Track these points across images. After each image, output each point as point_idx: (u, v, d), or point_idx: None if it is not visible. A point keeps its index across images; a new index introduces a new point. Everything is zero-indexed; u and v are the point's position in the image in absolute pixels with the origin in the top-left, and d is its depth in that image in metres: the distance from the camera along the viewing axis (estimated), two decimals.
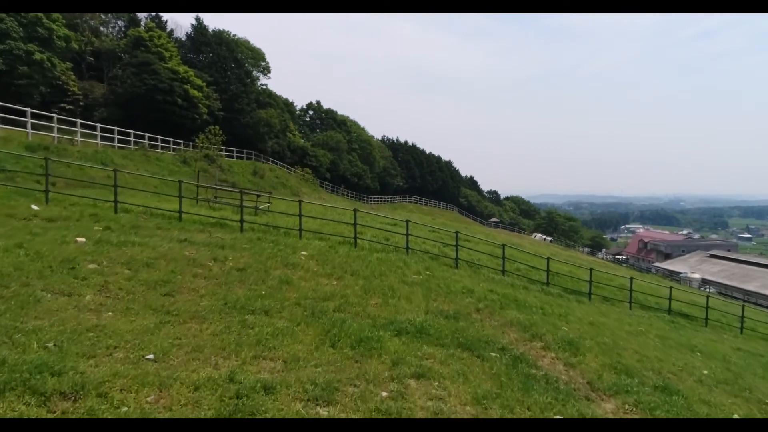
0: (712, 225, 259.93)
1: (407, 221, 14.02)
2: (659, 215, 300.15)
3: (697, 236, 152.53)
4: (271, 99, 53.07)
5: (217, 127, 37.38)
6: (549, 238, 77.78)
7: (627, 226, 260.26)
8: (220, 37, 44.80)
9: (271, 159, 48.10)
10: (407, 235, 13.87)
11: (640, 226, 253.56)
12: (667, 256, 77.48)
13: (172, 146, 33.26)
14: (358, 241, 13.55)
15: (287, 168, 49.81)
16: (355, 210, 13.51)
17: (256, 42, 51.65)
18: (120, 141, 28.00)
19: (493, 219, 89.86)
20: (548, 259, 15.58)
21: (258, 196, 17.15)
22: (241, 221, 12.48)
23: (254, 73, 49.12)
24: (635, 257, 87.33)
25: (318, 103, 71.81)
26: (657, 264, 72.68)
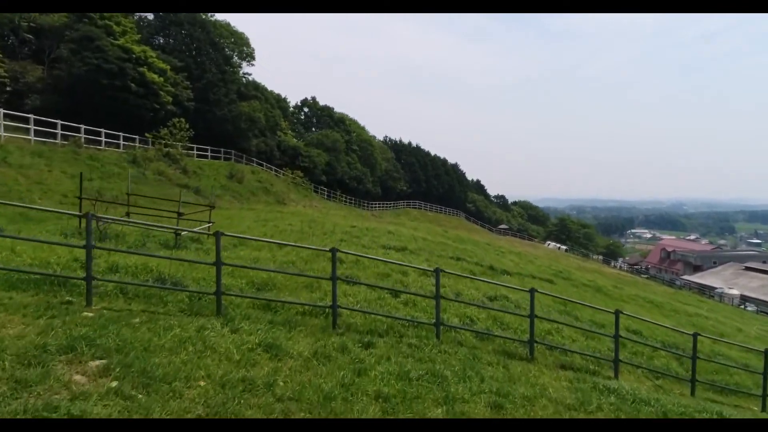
0: (718, 230, 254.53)
1: (437, 270, 7.30)
2: (664, 219, 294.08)
3: (704, 241, 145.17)
4: (257, 91, 46.33)
5: (184, 119, 30.76)
6: (563, 247, 71.37)
7: (633, 230, 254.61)
8: (194, 16, 38.14)
9: (255, 160, 41.39)
10: (437, 298, 7.15)
11: (647, 230, 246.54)
12: (697, 268, 70.52)
13: (122, 142, 26.59)
14: (343, 310, 6.92)
15: (274, 170, 43.08)
16: (333, 250, 6.80)
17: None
18: (41, 133, 21.40)
19: (502, 225, 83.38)
20: (695, 335, 8.42)
21: (179, 214, 10.16)
22: (88, 279, 5.77)
23: (235, 59, 42.38)
24: (657, 268, 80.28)
25: (313, 99, 64.97)
26: (685, 277, 65.80)
